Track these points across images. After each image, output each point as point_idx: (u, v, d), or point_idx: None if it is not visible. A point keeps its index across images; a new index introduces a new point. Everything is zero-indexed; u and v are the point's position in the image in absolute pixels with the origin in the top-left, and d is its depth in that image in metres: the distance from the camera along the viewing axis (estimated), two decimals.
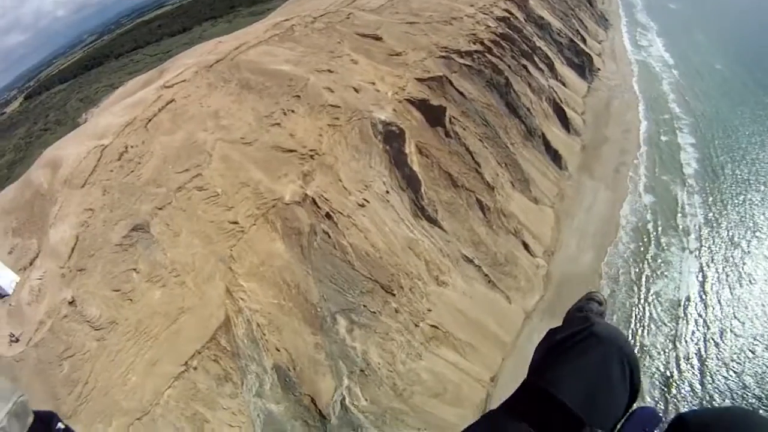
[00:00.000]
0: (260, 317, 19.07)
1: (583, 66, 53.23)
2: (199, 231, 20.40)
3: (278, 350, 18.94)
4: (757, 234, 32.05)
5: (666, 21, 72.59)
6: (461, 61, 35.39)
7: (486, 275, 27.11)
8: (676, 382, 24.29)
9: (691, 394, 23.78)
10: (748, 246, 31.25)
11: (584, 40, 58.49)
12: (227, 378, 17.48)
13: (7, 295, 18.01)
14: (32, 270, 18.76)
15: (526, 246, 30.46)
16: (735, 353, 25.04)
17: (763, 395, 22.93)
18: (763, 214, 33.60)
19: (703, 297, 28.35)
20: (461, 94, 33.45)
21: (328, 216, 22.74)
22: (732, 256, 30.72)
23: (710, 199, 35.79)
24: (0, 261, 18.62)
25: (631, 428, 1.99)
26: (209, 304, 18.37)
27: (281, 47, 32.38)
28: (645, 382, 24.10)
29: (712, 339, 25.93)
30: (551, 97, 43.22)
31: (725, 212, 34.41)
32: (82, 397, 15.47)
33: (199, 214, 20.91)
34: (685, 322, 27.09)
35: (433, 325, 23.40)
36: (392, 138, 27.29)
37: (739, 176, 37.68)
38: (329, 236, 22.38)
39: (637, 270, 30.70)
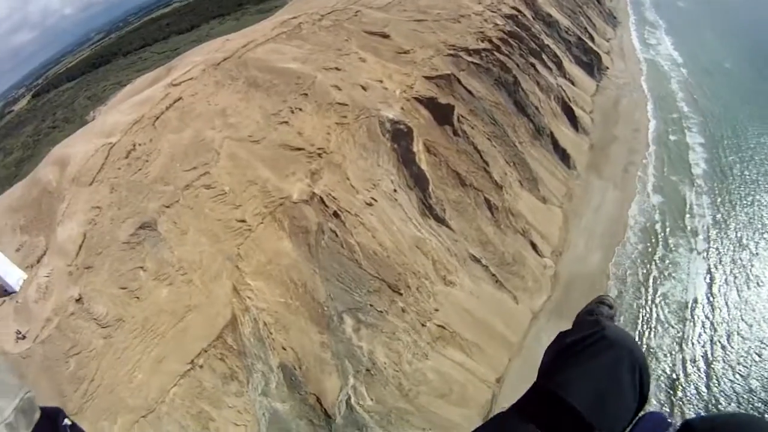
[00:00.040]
0: (267, 316, 19.05)
1: (592, 64, 52.77)
2: (206, 229, 20.39)
3: (284, 349, 18.92)
4: (766, 236, 31.71)
5: (674, 19, 71.73)
6: (469, 59, 35.18)
7: (493, 275, 26.98)
8: (682, 385, 24.10)
9: (697, 397, 23.59)
10: (757, 248, 30.94)
11: (592, 38, 57.99)
12: (233, 376, 17.48)
13: (15, 292, 18.04)
14: (39, 267, 18.80)
15: (533, 246, 30.28)
16: (742, 356, 24.81)
17: None
18: None
19: (711, 299, 28.09)
20: (469, 92, 33.26)
21: (335, 215, 22.68)
22: (740, 258, 30.41)
23: (719, 199, 35.44)
24: (7, 258, 18.66)
25: None
26: (216, 302, 18.37)
27: (289, 45, 32.30)
28: (651, 385, 23.83)
29: (719, 342, 25.71)
30: (560, 95, 42.88)
31: (734, 213, 34.06)
32: (88, 395, 15.49)
33: (206, 213, 20.91)
34: (692, 324, 26.86)
35: (439, 325, 23.31)
36: (400, 136, 27.17)
37: (747, 177, 37.29)
38: (336, 235, 22.33)
39: (645, 271, 30.45)
